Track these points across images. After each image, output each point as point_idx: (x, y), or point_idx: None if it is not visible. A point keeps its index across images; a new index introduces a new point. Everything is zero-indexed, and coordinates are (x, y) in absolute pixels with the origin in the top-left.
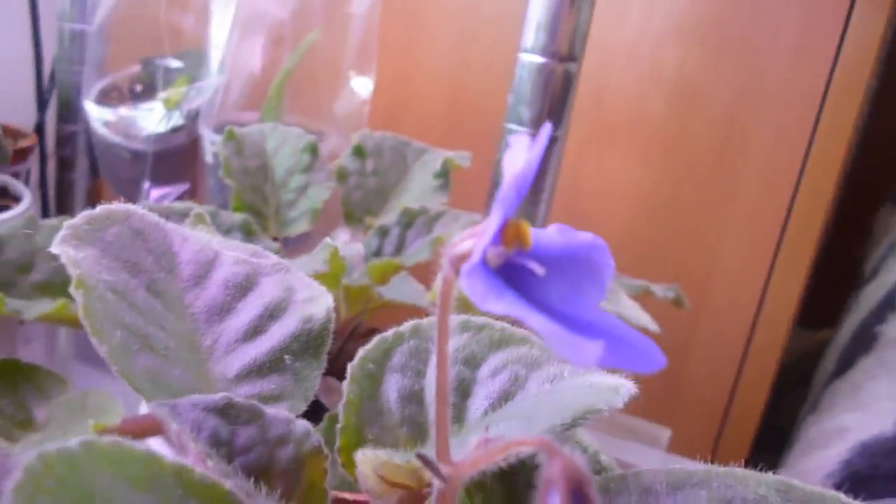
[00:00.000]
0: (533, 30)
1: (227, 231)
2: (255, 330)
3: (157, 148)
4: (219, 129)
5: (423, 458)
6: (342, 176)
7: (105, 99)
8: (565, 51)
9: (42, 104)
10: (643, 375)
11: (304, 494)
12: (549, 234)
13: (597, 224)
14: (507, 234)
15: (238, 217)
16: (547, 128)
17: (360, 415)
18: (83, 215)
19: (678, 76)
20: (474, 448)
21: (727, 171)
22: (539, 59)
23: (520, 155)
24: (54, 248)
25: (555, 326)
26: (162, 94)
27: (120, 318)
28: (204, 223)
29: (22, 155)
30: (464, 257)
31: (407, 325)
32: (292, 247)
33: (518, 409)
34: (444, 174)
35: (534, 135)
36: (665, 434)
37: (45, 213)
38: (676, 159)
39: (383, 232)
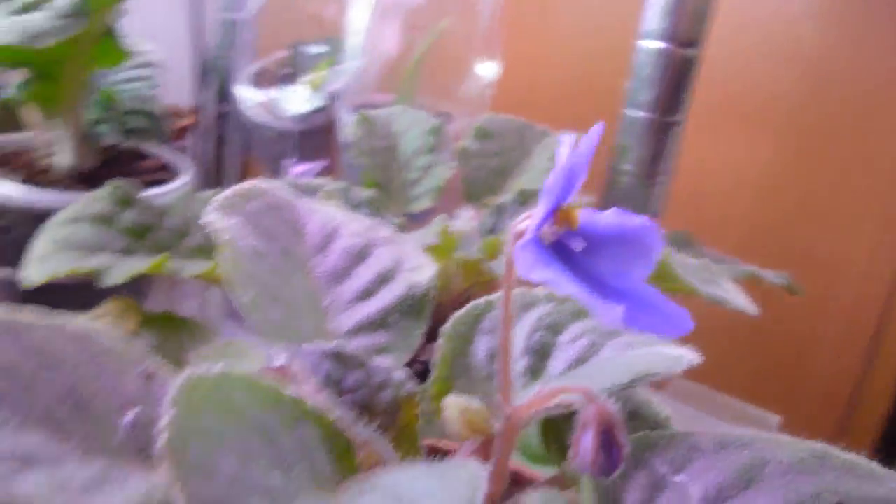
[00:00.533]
0: (653, 15)
1: (356, 206)
2: (367, 292)
3: (300, 127)
4: (356, 110)
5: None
6: (465, 156)
7: (256, 82)
8: (686, 36)
9: (202, 88)
10: (764, 366)
11: (398, 433)
12: (605, 217)
13: (720, 207)
14: (559, 217)
15: (367, 193)
16: (598, 127)
17: (452, 369)
18: (231, 190)
19: (815, 57)
20: (533, 396)
21: (863, 158)
22: (659, 45)
23: (566, 152)
24: (206, 217)
25: (584, 292)
26: (306, 78)
27: (256, 277)
28: (334, 199)
29: (182, 133)
30: (521, 234)
31: (497, 295)
32: (418, 221)
33: (589, 370)
34: None
35: (653, 119)
36: (774, 420)
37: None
38: (810, 143)
39: (500, 210)
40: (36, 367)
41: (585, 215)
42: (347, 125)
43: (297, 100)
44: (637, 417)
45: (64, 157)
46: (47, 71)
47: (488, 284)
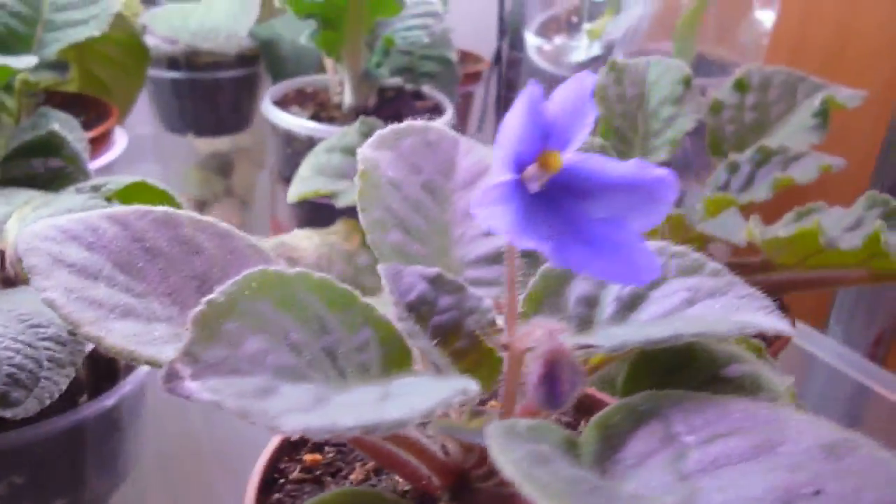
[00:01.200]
0: None
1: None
2: (489, 231)
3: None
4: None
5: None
6: (716, 109)
7: (544, 30)
8: None
9: (502, 34)
10: None
11: (480, 356)
12: (610, 164)
13: None
14: (543, 162)
15: (596, 141)
16: (530, 88)
17: (540, 306)
18: (390, 128)
19: None
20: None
21: None
22: None
23: (521, 102)
24: (358, 150)
25: (536, 240)
26: (587, 26)
27: (386, 202)
28: None
29: (475, 77)
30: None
31: None
32: None
33: (660, 321)
34: (823, 113)
35: None
36: None
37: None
38: None
39: (734, 167)
40: (179, 253)
41: (585, 162)
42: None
43: (577, 48)
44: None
45: (347, 96)
46: (330, 21)
47: (700, 242)
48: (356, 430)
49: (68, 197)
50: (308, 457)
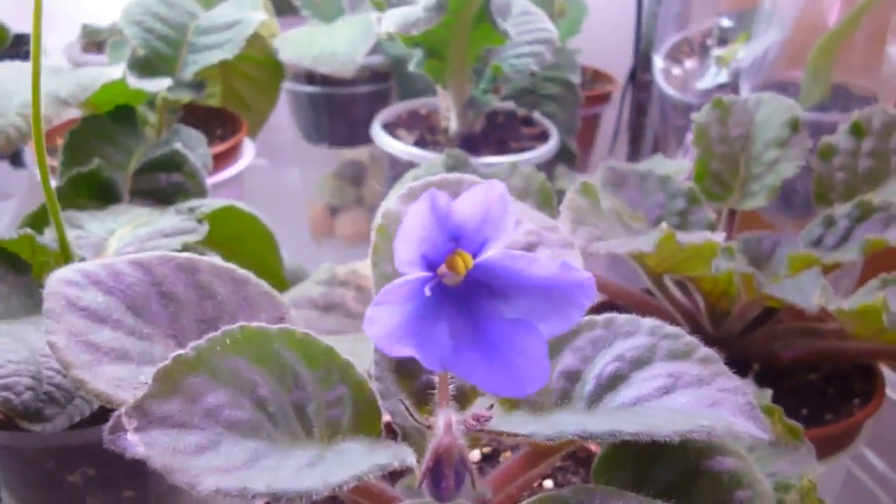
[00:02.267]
0: None
1: (672, 196)
2: None
3: (701, 102)
4: (762, 88)
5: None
6: (826, 154)
7: (675, 53)
8: None
9: (637, 55)
10: None
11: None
12: (539, 265)
13: None
14: (450, 264)
15: (686, 185)
16: (431, 193)
17: None
18: (424, 180)
19: None
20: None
21: None
22: None
23: (417, 210)
24: (383, 204)
25: (418, 348)
26: (717, 52)
27: None
28: (590, 193)
29: (604, 98)
30: None
31: (603, 316)
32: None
33: (641, 412)
34: None
35: None
36: None
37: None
38: None
39: (829, 222)
40: (193, 298)
41: (504, 261)
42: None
43: (705, 75)
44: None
45: (452, 122)
46: (435, 50)
47: (776, 300)
48: (262, 496)
49: (166, 217)
50: None
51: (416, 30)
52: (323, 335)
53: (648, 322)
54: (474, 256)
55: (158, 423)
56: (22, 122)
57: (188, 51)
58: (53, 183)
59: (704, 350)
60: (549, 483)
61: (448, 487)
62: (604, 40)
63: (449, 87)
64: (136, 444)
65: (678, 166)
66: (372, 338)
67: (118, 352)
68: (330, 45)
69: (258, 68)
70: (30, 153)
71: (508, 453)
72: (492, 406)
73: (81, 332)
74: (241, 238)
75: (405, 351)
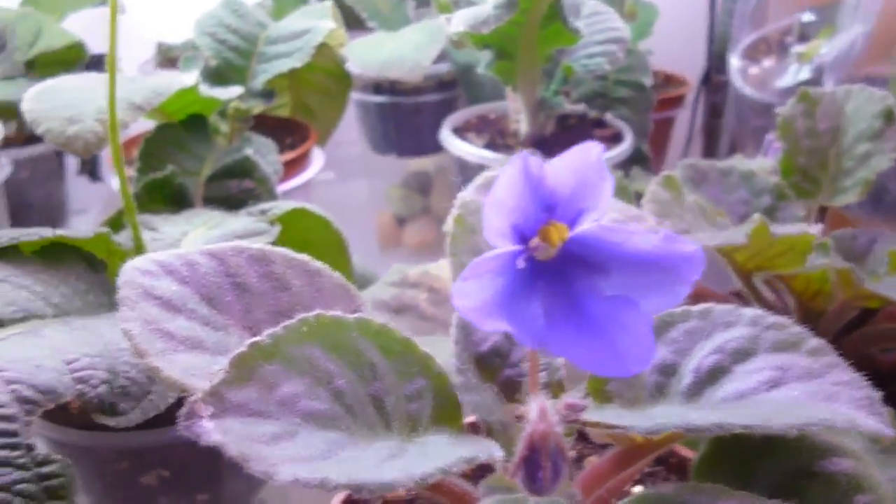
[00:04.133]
0: None
1: (757, 193)
2: None
3: (782, 102)
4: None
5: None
6: None
7: (752, 52)
8: None
9: (710, 57)
10: None
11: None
12: (641, 238)
13: None
14: (544, 236)
15: (771, 181)
16: (523, 156)
17: None
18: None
19: None
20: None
21: None
22: None
23: (510, 172)
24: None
25: (515, 324)
26: (797, 48)
27: (479, 249)
28: (672, 185)
29: (676, 101)
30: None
31: (699, 307)
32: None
33: (731, 404)
34: None
35: None
36: None
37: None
38: None
39: None
40: (268, 289)
41: (603, 234)
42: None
43: (785, 73)
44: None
45: (523, 124)
46: (504, 50)
47: (879, 299)
48: (343, 487)
49: (238, 219)
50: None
51: (487, 28)
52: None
53: (749, 311)
54: (570, 228)
55: (234, 411)
56: (99, 127)
57: (258, 60)
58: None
59: (815, 341)
60: (638, 489)
61: (545, 479)
62: (676, 42)
63: (519, 88)
64: (211, 430)
65: (760, 165)
66: (461, 311)
67: (192, 341)
68: (397, 51)
69: (327, 78)
70: (106, 167)
71: (594, 458)
72: (560, 388)
73: (156, 320)
74: (311, 242)
75: (498, 325)
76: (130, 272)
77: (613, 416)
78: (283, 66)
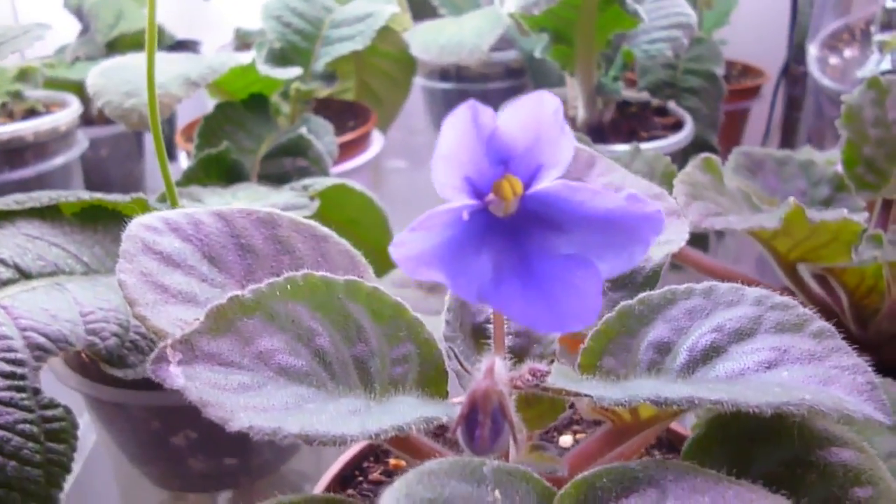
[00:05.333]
0: None
1: (815, 183)
2: None
3: None
4: None
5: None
6: None
7: (832, 42)
8: None
9: (791, 48)
10: None
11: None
12: (604, 197)
13: None
14: (496, 189)
15: (830, 172)
16: (472, 104)
17: (609, 344)
18: None
19: None
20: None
21: None
22: None
23: (454, 124)
24: None
25: (450, 277)
26: (881, 37)
27: None
28: (712, 168)
29: (752, 93)
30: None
31: (702, 285)
32: None
33: (736, 385)
34: None
35: None
36: None
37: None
38: None
39: None
40: (272, 251)
41: (563, 192)
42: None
43: (866, 62)
44: None
45: (580, 110)
46: (561, 34)
47: None
48: (293, 437)
49: (281, 193)
50: (393, 461)
51: (538, 9)
52: (424, 315)
53: (755, 291)
54: (527, 185)
55: (204, 359)
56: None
57: (322, 44)
58: (187, 163)
59: (820, 323)
60: None
61: (483, 437)
62: (755, 32)
63: (576, 73)
64: (176, 375)
65: (828, 157)
66: (396, 260)
67: (186, 295)
68: (457, 35)
69: (391, 63)
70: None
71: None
72: (552, 362)
73: (152, 273)
74: (354, 220)
75: (431, 275)
76: (135, 227)
77: (586, 386)
78: (345, 48)
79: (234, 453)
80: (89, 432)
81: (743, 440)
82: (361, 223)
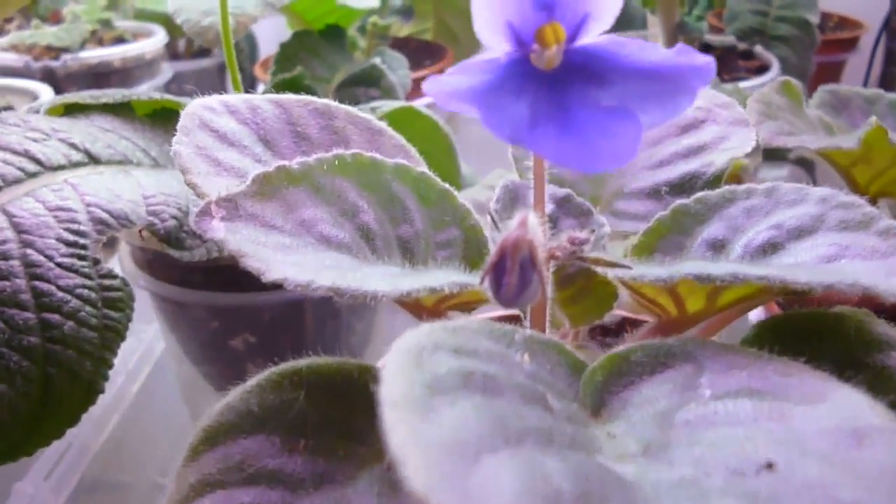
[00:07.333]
0: None
1: None
2: (661, 163)
3: None
4: None
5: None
6: None
7: None
8: None
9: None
10: None
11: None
12: (653, 51)
13: None
14: (539, 37)
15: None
16: None
17: (660, 241)
18: None
19: None
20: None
21: None
22: None
23: None
24: None
25: (499, 124)
26: None
27: None
28: (791, 92)
29: (848, 44)
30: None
31: (765, 185)
32: None
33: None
34: None
35: None
36: None
37: None
38: None
39: None
40: (326, 140)
41: (610, 44)
42: None
43: None
44: None
45: None
46: None
47: None
48: (325, 290)
49: None
50: None
51: None
52: None
53: (820, 191)
54: (572, 36)
55: (247, 219)
56: (230, 20)
57: None
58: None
59: (888, 222)
60: None
61: (509, 284)
62: None
63: (658, 11)
64: (217, 228)
65: None
66: (428, 93)
67: (237, 171)
68: None
69: (470, 2)
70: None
71: None
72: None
73: (207, 147)
74: (421, 146)
75: (464, 108)
76: (194, 106)
77: (628, 262)
78: None
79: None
80: (157, 340)
81: (795, 339)
82: (427, 149)
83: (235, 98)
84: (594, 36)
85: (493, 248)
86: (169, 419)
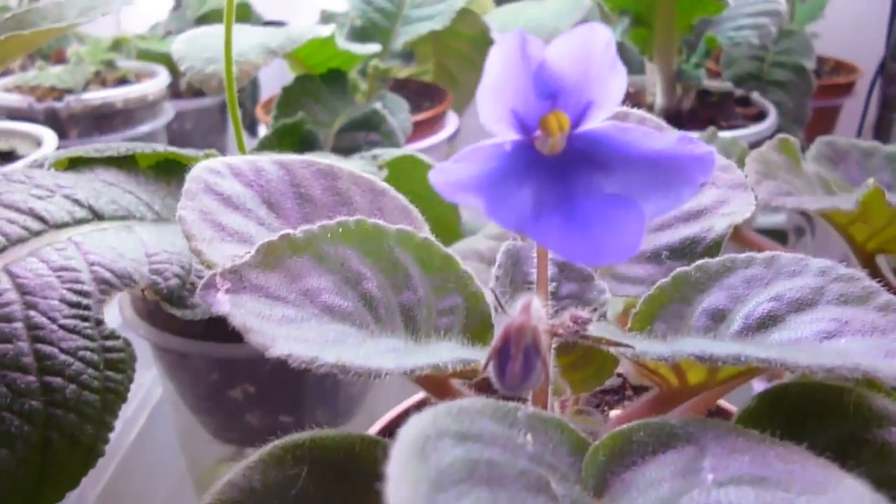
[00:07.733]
0: None
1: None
2: (661, 226)
3: None
4: None
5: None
6: None
7: None
8: None
9: (889, 46)
10: None
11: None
12: (654, 138)
13: None
14: (543, 124)
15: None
16: (520, 33)
17: (661, 310)
18: None
19: None
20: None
21: None
22: None
23: (501, 51)
24: None
25: (503, 215)
26: None
27: None
28: (788, 150)
29: (844, 90)
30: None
31: (765, 254)
32: None
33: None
34: None
35: None
36: None
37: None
38: None
39: None
40: (330, 202)
41: (613, 130)
42: None
43: None
44: None
45: (658, 97)
46: (641, 17)
47: None
48: (329, 367)
49: (350, 162)
50: None
51: None
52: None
53: (819, 262)
54: (575, 122)
55: (251, 290)
56: (234, 68)
57: (402, 22)
58: (264, 132)
59: (887, 297)
60: None
61: (513, 373)
62: (850, 28)
63: (656, 58)
64: (223, 301)
65: None
66: (434, 185)
67: (242, 235)
68: (537, 18)
69: (469, 45)
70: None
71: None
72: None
73: (211, 212)
74: (421, 194)
75: (469, 200)
76: (199, 170)
77: (623, 337)
78: (424, 28)
79: (290, 411)
80: (156, 387)
81: (795, 415)
82: (428, 196)
83: (240, 160)
84: (597, 122)
85: (496, 323)
86: (166, 468)
